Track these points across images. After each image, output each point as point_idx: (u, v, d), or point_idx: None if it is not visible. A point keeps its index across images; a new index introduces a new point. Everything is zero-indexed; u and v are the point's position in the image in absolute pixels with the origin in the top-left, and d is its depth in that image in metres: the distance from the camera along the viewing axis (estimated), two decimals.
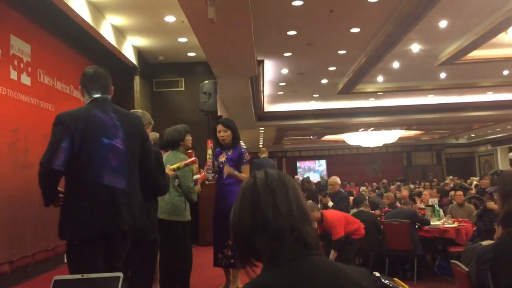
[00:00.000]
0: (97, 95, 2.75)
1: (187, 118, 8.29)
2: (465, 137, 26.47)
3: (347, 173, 22.41)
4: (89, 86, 2.77)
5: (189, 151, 4.44)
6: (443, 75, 11.90)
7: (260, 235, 1.13)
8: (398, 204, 8.51)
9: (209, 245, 4.92)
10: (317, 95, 14.16)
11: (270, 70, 10.75)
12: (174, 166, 3.95)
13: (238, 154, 4.46)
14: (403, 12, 6.99)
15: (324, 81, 12.24)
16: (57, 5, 5.33)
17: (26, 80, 5.33)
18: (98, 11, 6.28)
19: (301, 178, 16.51)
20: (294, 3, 6.75)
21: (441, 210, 7.43)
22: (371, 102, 15.29)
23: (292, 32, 8.14)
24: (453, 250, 6.24)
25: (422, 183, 17.43)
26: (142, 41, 7.78)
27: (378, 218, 7.27)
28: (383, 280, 1.93)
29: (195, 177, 4.37)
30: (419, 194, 10.21)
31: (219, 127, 4.51)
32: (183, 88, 9.13)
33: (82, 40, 6.66)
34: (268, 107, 15.43)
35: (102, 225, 2.56)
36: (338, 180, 7.54)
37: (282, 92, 13.46)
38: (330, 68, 10.95)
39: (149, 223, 3.43)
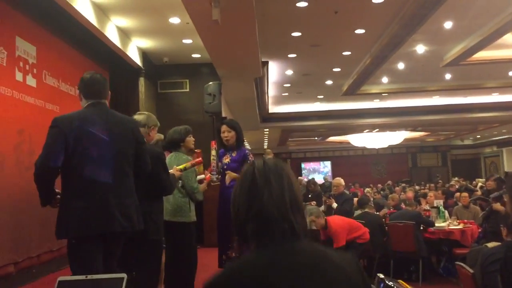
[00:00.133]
0: (93, 100, 2.86)
1: (192, 119, 8.30)
2: (471, 138, 26.37)
3: (352, 174, 22.38)
4: (85, 91, 2.89)
5: (197, 151, 4.44)
6: (448, 76, 11.86)
7: (252, 220, 1.20)
8: (403, 206, 8.49)
9: (214, 246, 4.91)
10: (321, 96, 14.14)
11: (275, 71, 10.75)
12: (181, 166, 3.96)
13: (242, 156, 4.46)
14: (408, 13, 6.97)
15: (329, 82, 12.22)
16: (62, 7, 5.35)
17: (31, 81, 5.36)
18: (103, 12, 6.30)
19: (305, 179, 16.48)
20: (298, 4, 6.75)
21: (446, 212, 7.40)
22: (376, 103, 15.26)
23: (296, 33, 8.14)
24: (459, 252, 6.21)
25: (427, 185, 17.36)
26: (147, 43, 7.79)
27: (383, 219, 7.25)
28: (387, 282, 1.93)
29: (200, 177, 4.37)
30: (424, 196, 10.18)
31: (223, 127, 4.51)
32: (187, 90, 9.15)
33: (87, 42, 6.68)
34: (273, 108, 15.42)
35: (95, 225, 2.65)
36: (342, 181, 7.52)
37: (286, 93, 13.46)
38: (335, 69, 10.93)
39: (152, 223, 3.45)
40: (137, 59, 7.84)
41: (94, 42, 6.65)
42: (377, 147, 23.59)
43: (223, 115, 8.49)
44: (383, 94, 13.80)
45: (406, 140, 23.05)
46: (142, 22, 6.82)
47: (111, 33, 6.62)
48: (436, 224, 6.75)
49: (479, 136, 25.08)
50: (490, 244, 3.80)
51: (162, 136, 4.67)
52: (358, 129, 19.64)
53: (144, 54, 8.19)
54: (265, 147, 22.69)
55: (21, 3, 5.16)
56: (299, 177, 16.51)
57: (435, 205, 8.02)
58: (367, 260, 6.91)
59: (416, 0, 6.55)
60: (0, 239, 4.59)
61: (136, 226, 2.84)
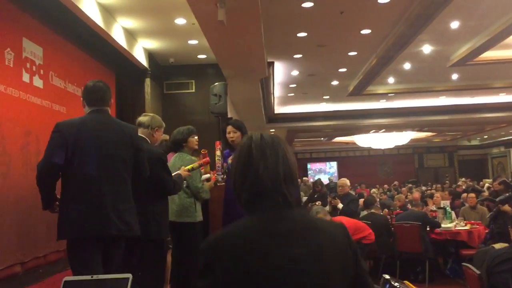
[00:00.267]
0: (95, 107, 2.99)
1: (198, 120, 8.31)
2: (478, 138, 26.22)
3: (358, 175, 22.33)
4: (88, 99, 3.02)
5: (203, 151, 4.45)
6: (455, 76, 11.81)
7: (247, 190, 1.28)
8: (409, 206, 8.46)
9: None
10: (327, 97, 14.12)
11: (280, 71, 10.75)
12: (189, 167, 3.97)
13: None
14: (414, 13, 6.94)
15: (335, 82, 12.20)
16: (69, 8, 5.37)
17: (38, 82, 5.38)
18: (109, 14, 6.32)
19: (311, 180, 16.43)
20: (304, 5, 6.74)
21: (453, 213, 7.37)
22: (382, 103, 15.22)
23: (302, 34, 8.13)
24: (466, 253, 6.19)
25: (434, 185, 17.28)
26: (153, 44, 7.81)
27: (389, 219, 7.23)
28: (392, 283, 1.92)
29: (206, 176, 4.38)
30: (431, 196, 10.14)
31: (229, 128, 4.51)
32: (193, 90, 9.16)
33: (94, 43, 6.71)
34: (279, 109, 15.42)
35: (92, 228, 2.76)
36: (347, 182, 7.52)
37: (292, 94, 13.45)
38: (341, 70, 10.91)
39: (154, 224, 3.47)
40: (143, 60, 7.86)
41: (100, 43, 6.67)
42: (383, 148, 23.52)
43: (229, 115, 8.50)
44: (389, 95, 13.76)
45: (412, 140, 22.96)
46: (148, 23, 6.84)
47: (117, 34, 6.64)
48: (443, 225, 6.73)
49: (486, 137, 24.93)
50: (497, 245, 3.79)
51: (167, 137, 4.68)
52: (364, 130, 19.59)
53: (150, 55, 8.21)
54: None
55: (28, 4, 5.19)
56: (304, 178, 16.45)
57: (441, 205, 7.99)
58: (373, 261, 6.91)
59: (422, 0, 6.53)
60: (7, 239, 4.62)
61: (133, 231, 2.93)
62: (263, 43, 6.78)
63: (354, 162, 26.20)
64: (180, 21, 6.68)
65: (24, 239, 4.89)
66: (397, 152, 25.88)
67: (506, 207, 6.45)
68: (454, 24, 8.02)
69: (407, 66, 10.64)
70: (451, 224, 6.80)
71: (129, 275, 1.68)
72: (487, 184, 12.95)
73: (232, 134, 4.44)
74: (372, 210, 6.98)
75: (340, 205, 6.96)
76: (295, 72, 10.94)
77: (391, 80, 12.17)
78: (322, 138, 22.85)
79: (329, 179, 21.25)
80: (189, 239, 4.15)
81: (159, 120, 3.81)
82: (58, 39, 5.96)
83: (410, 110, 15.72)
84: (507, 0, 7.07)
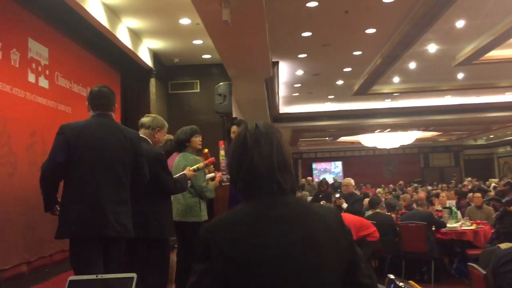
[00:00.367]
0: (99, 111, 3.09)
1: (202, 120, 8.33)
2: (484, 138, 26.10)
3: (363, 175, 22.29)
4: (92, 103, 3.12)
5: (205, 151, 4.45)
6: (460, 76, 11.76)
7: (243, 178, 1.32)
8: (414, 206, 8.43)
9: None
10: (332, 96, 14.10)
11: (285, 71, 10.75)
12: (194, 167, 3.97)
13: None
14: (419, 12, 6.92)
15: (340, 82, 12.18)
16: (74, 8, 5.39)
17: (43, 83, 5.41)
18: (114, 14, 6.34)
19: (316, 180, 16.38)
20: (308, 4, 6.74)
21: (458, 212, 7.34)
22: (387, 103, 15.18)
23: (307, 33, 8.12)
24: (471, 253, 6.16)
25: (440, 185, 17.23)
26: (158, 44, 7.83)
27: (394, 219, 7.21)
28: (397, 283, 1.92)
29: (210, 175, 4.38)
30: (438, 196, 10.11)
31: (234, 128, 4.52)
32: (198, 90, 9.17)
33: (99, 43, 6.73)
34: (283, 109, 15.41)
35: (89, 228, 2.85)
36: (352, 181, 7.51)
37: (297, 94, 13.44)
38: (346, 69, 10.89)
39: (155, 223, 3.48)
40: (148, 60, 7.88)
41: (105, 44, 6.69)
42: (388, 147, 23.46)
43: (234, 115, 8.50)
44: (394, 94, 13.72)
45: (418, 140, 22.88)
46: (152, 24, 6.85)
47: (122, 35, 6.66)
48: (448, 225, 6.71)
49: (492, 136, 24.82)
50: (503, 245, 3.77)
51: (171, 137, 4.69)
52: (369, 129, 19.55)
53: (155, 55, 8.23)
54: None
55: (33, 5, 5.22)
56: (308, 177, 16.43)
57: (447, 205, 7.96)
58: (379, 260, 6.89)
59: None
60: (13, 239, 4.64)
61: (129, 233, 3.00)
62: (268, 42, 6.78)
63: (359, 162, 26.14)
64: (185, 21, 6.69)
65: (30, 239, 4.92)
66: (403, 152, 25.79)
67: None
68: (460, 23, 7.98)
69: (412, 65, 10.61)
70: (457, 224, 6.77)
71: (134, 275, 1.69)
72: (493, 184, 12.91)
73: (236, 134, 4.44)
74: (377, 210, 6.96)
75: (345, 205, 6.95)
76: (299, 72, 10.93)
77: (396, 79, 12.14)
78: (327, 138, 22.82)
79: (333, 178, 21.22)
80: (192, 239, 4.16)
81: (160, 120, 3.82)
82: (63, 39, 5.99)
83: (415, 110, 15.67)
84: None
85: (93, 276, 1.69)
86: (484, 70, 11.10)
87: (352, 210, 6.72)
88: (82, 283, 1.68)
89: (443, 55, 9.87)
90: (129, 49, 6.97)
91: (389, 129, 19.61)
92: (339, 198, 7.19)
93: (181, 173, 3.87)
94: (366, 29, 8.06)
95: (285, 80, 11.56)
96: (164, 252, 3.69)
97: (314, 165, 27.15)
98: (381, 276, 5.85)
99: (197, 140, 4.35)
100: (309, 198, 10.83)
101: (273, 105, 13.36)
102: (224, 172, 4.85)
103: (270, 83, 10.30)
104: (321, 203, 9.30)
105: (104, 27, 6.01)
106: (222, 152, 4.75)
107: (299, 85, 12.28)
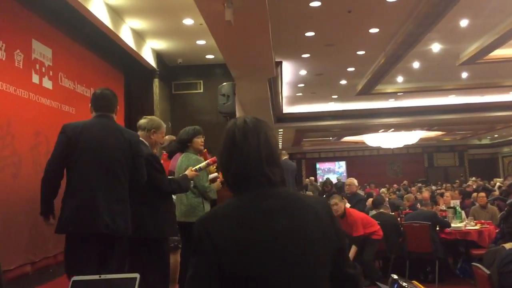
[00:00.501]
0: (100, 113, 3.23)
1: (206, 120, 8.33)
2: (488, 137, 26.00)
3: (367, 174, 22.24)
4: (95, 105, 3.26)
5: (204, 150, 4.45)
6: (464, 75, 11.72)
7: (233, 173, 1.37)
8: (418, 206, 8.41)
9: None
10: (336, 96, 14.08)
11: (288, 71, 10.74)
12: (196, 167, 3.97)
13: None
14: (422, 11, 6.90)
15: (343, 82, 12.17)
16: (78, 9, 5.41)
17: (47, 84, 5.43)
18: (117, 15, 6.36)
19: (320, 180, 16.37)
20: (311, 4, 6.73)
21: (463, 212, 7.33)
22: (391, 102, 15.15)
23: (310, 33, 8.12)
24: (476, 253, 6.14)
25: (444, 185, 17.18)
26: (161, 44, 7.84)
27: (398, 219, 7.20)
28: (401, 283, 1.92)
29: (213, 175, 4.38)
30: (442, 195, 10.08)
31: None
32: (201, 90, 9.18)
33: (102, 44, 6.75)
34: (287, 109, 15.40)
35: (82, 224, 2.95)
36: (355, 181, 7.51)
37: (300, 94, 13.43)
38: (349, 69, 10.88)
39: (152, 223, 3.49)
40: (151, 60, 7.89)
41: (109, 44, 6.71)
42: (392, 147, 23.41)
43: (237, 115, 8.50)
44: (398, 94, 13.69)
45: (422, 139, 22.82)
46: (156, 24, 6.86)
47: (126, 35, 6.67)
48: (453, 225, 6.69)
49: (497, 135, 24.73)
50: (508, 245, 3.75)
51: (173, 137, 4.70)
52: (373, 129, 19.51)
53: (158, 55, 8.24)
54: (280, 147, 22.68)
55: (36, 6, 5.23)
56: (311, 178, 16.42)
57: (451, 205, 7.94)
58: (383, 260, 6.87)
59: None
60: (17, 239, 4.66)
61: (122, 231, 3.08)
62: (271, 42, 6.78)
63: (363, 162, 26.10)
64: (188, 21, 6.70)
65: (35, 239, 4.93)
66: (407, 152, 25.74)
67: None
68: (463, 23, 7.96)
69: (416, 65, 10.58)
70: (461, 224, 6.75)
71: (137, 275, 1.69)
72: (498, 184, 12.86)
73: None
74: (381, 210, 6.95)
75: (348, 205, 6.95)
76: (303, 72, 10.93)
77: (400, 79, 12.11)
78: (330, 138, 22.80)
79: (337, 178, 21.21)
80: None
81: (156, 122, 3.83)
82: (67, 40, 6.00)
83: (419, 109, 15.64)
84: None
85: (96, 276, 1.70)
86: (488, 70, 11.06)
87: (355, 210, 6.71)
88: (85, 283, 1.69)
89: (447, 55, 9.84)
90: (132, 49, 6.98)
91: (393, 129, 19.58)
92: (342, 198, 7.19)
93: (181, 175, 3.87)
94: (370, 29, 8.05)
95: (289, 80, 11.55)
96: (163, 252, 3.68)
97: (318, 165, 27.13)
98: (386, 276, 5.85)
99: (199, 141, 4.35)
100: None
101: (277, 105, 13.36)
102: None
103: (274, 83, 10.30)
104: None
105: (108, 27, 6.03)
106: None
107: (302, 85, 12.27)
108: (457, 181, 18.16)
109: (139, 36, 7.27)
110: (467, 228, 6.59)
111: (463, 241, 6.52)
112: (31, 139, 5.05)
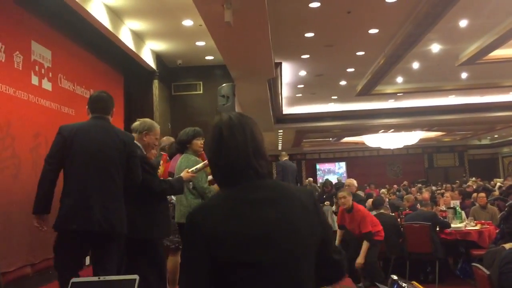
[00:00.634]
0: (96, 115, 3.33)
1: (206, 121, 8.32)
2: (488, 138, 26.01)
3: (367, 175, 22.23)
4: (91, 107, 3.37)
5: (202, 152, 4.44)
6: (464, 75, 11.73)
7: (222, 168, 1.42)
8: (418, 206, 8.41)
9: None
10: (336, 97, 14.09)
11: (288, 72, 10.74)
12: (193, 168, 3.96)
13: None
14: (422, 12, 6.91)
15: (343, 82, 12.17)
16: (77, 11, 5.41)
17: (47, 85, 5.43)
18: (117, 16, 6.36)
19: (320, 180, 16.30)
20: (311, 5, 6.74)
21: (463, 212, 7.32)
22: (391, 103, 15.16)
23: (309, 34, 8.12)
24: (476, 253, 6.14)
25: (444, 185, 17.18)
26: (161, 46, 7.84)
27: (398, 220, 7.20)
28: (400, 283, 1.92)
29: (212, 177, 4.37)
30: (443, 195, 10.08)
31: None
32: (201, 92, 9.18)
33: (102, 45, 6.75)
34: (287, 110, 15.40)
35: (75, 222, 3.05)
36: (354, 182, 7.51)
37: (300, 94, 13.43)
38: (349, 70, 10.88)
39: (143, 223, 3.49)
40: (151, 62, 7.89)
41: (108, 46, 6.71)
42: (392, 148, 23.42)
43: None
44: (398, 94, 13.70)
45: (422, 140, 22.83)
46: (155, 25, 6.87)
47: (125, 36, 6.68)
48: (453, 225, 6.68)
49: (496, 136, 24.73)
50: (508, 245, 3.75)
51: (171, 139, 4.69)
52: (373, 130, 19.52)
53: (158, 56, 8.24)
54: (280, 148, 22.67)
55: (36, 7, 5.23)
56: (309, 178, 16.40)
57: (451, 205, 7.94)
58: (383, 261, 6.87)
59: None
60: (17, 241, 4.65)
61: (119, 229, 3.15)
62: (270, 43, 6.78)
63: (363, 162, 26.10)
64: (187, 22, 6.70)
65: (35, 241, 4.92)
66: (407, 152, 25.75)
67: None
68: (463, 23, 7.96)
69: (415, 65, 10.58)
70: (461, 224, 6.75)
71: (136, 277, 1.69)
72: (498, 184, 12.84)
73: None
74: (381, 211, 6.94)
75: None
76: (302, 73, 10.93)
77: (399, 79, 12.11)
78: (330, 139, 22.80)
79: (337, 179, 21.22)
80: None
81: (148, 124, 3.85)
82: (66, 42, 6.00)
83: (419, 110, 15.64)
84: None
85: (95, 278, 1.70)
86: (488, 70, 11.06)
87: None
88: (84, 285, 1.69)
89: (447, 55, 9.84)
90: (132, 51, 6.99)
91: (392, 130, 19.58)
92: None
93: (176, 177, 3.88)
94: (369, 29, 8.05)
95: (288, 81, 11.56)
96: (155, 252, 3.69)
97: (318, 166, 27.12)
98: (386, 276, 5.84)
99: (198, 142, 4.33)
100: None
101: (277, 106, 13.36)
102: None
103: (273, 84, 10.30)
104: (325, 204, 9.30)
105: (107, 29, 6.03)
106: None
107: (302, 85, 12.28)
108: (457, 181, 18.15)
109: (139, 37, 7.27)
110: (467, 228, 6.59)
111: (463, 241, 6.52)
112: (31, 141, 5.05)
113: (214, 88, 8.33)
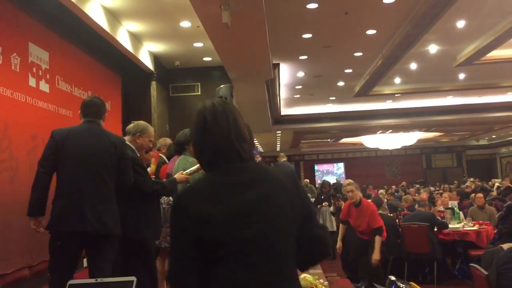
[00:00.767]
0: (88, 119, 3.43)
1: None
2: (486, 138, 26.05)
3: (366, 176, 22.28)
4: (84, 112, 3.48)
5: None
6: (462, 76, 11.74)
7: (207, 153, 1.50)
8: (417, 207, 8.42)
9: None
10: (333, 98, 14.09)
11: (286, 73, 10.75)
12: (187, 170, 3.96)
13: None
14: (419, 12, 6.92)
15: (341, 83, 12.18)
16: (75, 12, 5.40)
17: (44, 87, 5.42)
18: (114, 17, 6.35)
19: (319, 181, 16.22)
20: (309, 6, 6.74)
21: (461, 213, 7.33)
22: (389, 104, 15.17)
23: (307, 35, 8.12)
24: (474, 253, 6.15)
25: (442, 186, 17.20)
26: (159, 47, 7.84)
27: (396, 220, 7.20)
28: (398, 284, 1.92)
29: None
30: (441, 194, 10.09)
31: None
32: (199, 93, 9.17)
33: (100, 47, 6.74)
34: (285, 111, 15.41)
35: (67, 223, 3.13)
36: (352, 182, 7.48)
37: (298, 95, 13.44)
38: (347, 71, 10.89)
39: (132, 224, 3.50)
40: (148, 63, 7.89)
41: (106, 47, 6.70)
42: (390, 148, 23.43)
43: None
44: (395, 95, 13.71)
45: (420, 140, 22.86)
46: (153, 27, 6.86)
47: (123, 38, 6.67)
48: (451, 226, 6.69)
49: (494, 136, 24.77)
50: (506, 245, 3.75)
51: (167, 140, 4.69)
52: (371, 130, 19.53)
53: (155, 58, 8.24)
54: (278, 149, 22.67)
55: (33, 9, 5.22)
56: (305, 180, 16.40)
57: (449, 206, 7.95)
58: (381, 262, 6.86)
59: None
60: (15, 243, 4.64)
61: (111, 230, 3.23)
62: (268, 44, 6.78)
63: (362, 163, 26.12)
64: (185, 24, 6.70)
65: (32, 243, 4.91)
66: (405, 153, 25.78)
67: None
68: (460, 24, 7.97)
69: (413, 66, 10.60)
70: (459, 225, 6.76)
71: (133, 278, 1.69)
72: (497, 184, 12.86)
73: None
74: (380, 211, 6.94)
75: None
76: (300, 74, 10.93)
77: (397, 80, 12.13)
78: (329, 140, 22.81)
79: (336, 179, 21.22)
80: None
81: (141, 126, 3.88)
82: (64, 43, 5.99)
83: (417, 110, 15.66)
84: None
85: (92, 280, 1.70)
86: (486, 70, 11.08)
87: None
88: (82, 287, 1.68)
89: (444, 56, 9.86)
90: (130, 52, 6.98)
91: (390, 130, 19.60)
92: (338, 200, 7.20)
93: (170, 178, 3.88)
94: (367, 30, 8.06)
95: (286, 82, 11.56)
96: (145, 253, 3.71)
97: (316, 167, 27.13)
98: (384, 277, 5.82)
99: None
100: (311, 200, 10.79)
101: (275, 107, 13.36)
102: None
103: (271, 85, 10.30)
104: (323, 204, 9.30)
105: (105, 30, 6.02)
106: None
107: (300, 87, 12.28)
108: (455, 182, 18.18)
109: (136, 38, 7.26)
110: (465, 229, 6.59)
111: (461, 242, 6.53)
112: (28, 143, 5.04)
113: (212, 90, 8.31)
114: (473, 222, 6.97)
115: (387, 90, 13.12)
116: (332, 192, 9.29)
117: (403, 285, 1.81)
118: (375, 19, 7.54)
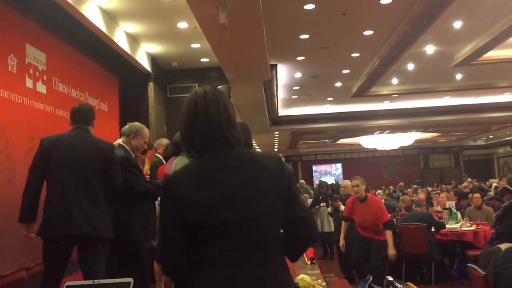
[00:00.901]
0: (77, 126, 3.49)
1: None
2: (483, 138, 26.12)
3: (363, 176, 22.02)
4: (73, 118, 3.53)
5: None
6: (459, 76, 11.77)
7: (196, 138, 1.54)
8: (414, 207, 8.42)
9: None
10: (331, 99, 14.11)
11: (284, 74, 10.75)
12: None
13: None
14: (416, 13, 6.93)
15: (338, 84, 12.19)
16: (72, 14, 5.39)
17: (41, 88, 5.41)
18: (111, 19, 6.34)
19: (316, 182, 16.20)
20: (306, 7, 6.75)
21: (458, 213, 7.34)
22: (386, 104, 15.19)
23: (304, 36, 8.13)
24: (472, 254, 6.16)
25: (440, 186, 17.23)
26: (156, 48, 7.83)
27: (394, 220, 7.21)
28: (396, 284, 1.92)
29: None
30: (440, 195, 10.10)
31: None
32: None
33: (97, 48, 6.73)
34: (282, 111, 15.42)
35: (57, 227, 3.20)
36: (350, 183, 7.49)
37: (296, 96, 13.45)
38: (344, 71, 10.90)
39: (124, 225, 3.52)
40: (146, 64, 7.88)
41: (103, 48, 6.69)
42: (388, 149, 23.46)
43: None
44: (393, 95, 13.73)
45: (417, 141, 22.89)
46: (150, 28, 6.86)
47: (120, 39, 6.66)
48: (448, 226, 6.70)
49: (491, 136, 24.84)
50: (503, 246, 3.76)
51: (163, 141, 4.69)
52: (369, 131, 19.55)
53: (153, 59, 8.23)
54: (276, 150, 22.68)
55: (30, 10, 5.21)
56: (301, 181, 16.44)
57: (447, 206, 7.95)
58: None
59: (424, 0, 6.51)
60: (12, 245, 4.63)
61: (102, 233, 3.28)
62: (266, 45, 6.78)
63: (359, 164, 26.13)
64: (182, 25, 6.70)
65: (29, 245, 4.89)
66: (402, 153, 25.83)
67: None
68: (457, 24, 7.99)
69: (410, 66, 10.61)
70: (457, 225, 6.77)
71: (131, 280, 1.69)
72: (494, 184, 12.88)
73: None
74: None
75: (342, 207, 6.95)
76: (298, 74, 10.94)
77: (394, 81, 12.15)
78: (326, 140, 22.82)
79: (335, 180, 21.23)
80: None
81: (136, 127, 3.90)
82: (61, 44, 5.98)
83: (414, 111, 15.69)
84: None
85: (89, 282, 1.69)
86: (483, 71, 11.11)
87: None
88: None
89: (441, 56, 9.88)
90: (127, 53, 6.97)
91: (388, 131, 19.63)
92: (335, 200, 7.20)
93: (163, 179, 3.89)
94: (364, 31, 8.07)
95: (284, 82, 11.57)
96: (138, 253, 3.73)
97: (314, 168, 27.15)
98: (382, 277, 5.82)
99: None
100: (309, 201, 10.82)
101: (272, 108, 13.37)
102: None
103: (269, 86, 10.31)
104: (321, 205, 9.30)
105: (102, 31, 6.01)
106: None
107: (297, 87, 12.29)
108: (452, 182, 18.21)
109: (134, 40, 7.26)
110: (462, 229, 6.60)
111: (458, 242, 6.54)
112: (26, 144, 5.02)
113: None
114: (471, 222, 6.98)
115: (384, 90, 13.14)
116: (330, 192, 9.29)
117: (401, 286, 1.81)
118: (372, 20, 7.56)
